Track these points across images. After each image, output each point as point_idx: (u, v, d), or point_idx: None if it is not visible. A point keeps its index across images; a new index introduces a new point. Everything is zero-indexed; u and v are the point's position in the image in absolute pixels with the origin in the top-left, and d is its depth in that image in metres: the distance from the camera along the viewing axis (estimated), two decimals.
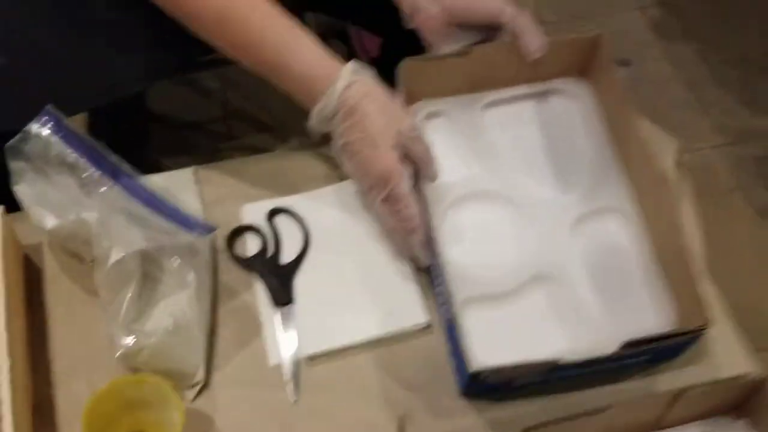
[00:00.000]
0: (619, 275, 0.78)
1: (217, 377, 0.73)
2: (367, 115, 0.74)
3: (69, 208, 0.70)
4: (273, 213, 0.82)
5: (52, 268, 0.78)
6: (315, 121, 0.76)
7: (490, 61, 0.83)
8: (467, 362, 0.66)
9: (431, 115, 0.85)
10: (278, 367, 0.73)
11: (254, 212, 0.82)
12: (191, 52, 0.88)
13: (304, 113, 0.78)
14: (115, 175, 0.75)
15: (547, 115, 0.87)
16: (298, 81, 0.76)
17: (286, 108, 0.84)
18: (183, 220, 0.71)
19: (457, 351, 0.69)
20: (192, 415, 0.70)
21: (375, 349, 0.75)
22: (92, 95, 0.86)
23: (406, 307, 0.76)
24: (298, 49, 0.76)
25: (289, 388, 0.72)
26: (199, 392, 0.72)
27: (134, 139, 1.25)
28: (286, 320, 0.75)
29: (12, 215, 0.75)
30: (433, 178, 0.76)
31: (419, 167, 0.76)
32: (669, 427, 0.70)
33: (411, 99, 0.82)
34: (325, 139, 0.79)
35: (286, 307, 0.76)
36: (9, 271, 0.70)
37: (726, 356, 0.76)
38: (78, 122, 0.90)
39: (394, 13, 0.84)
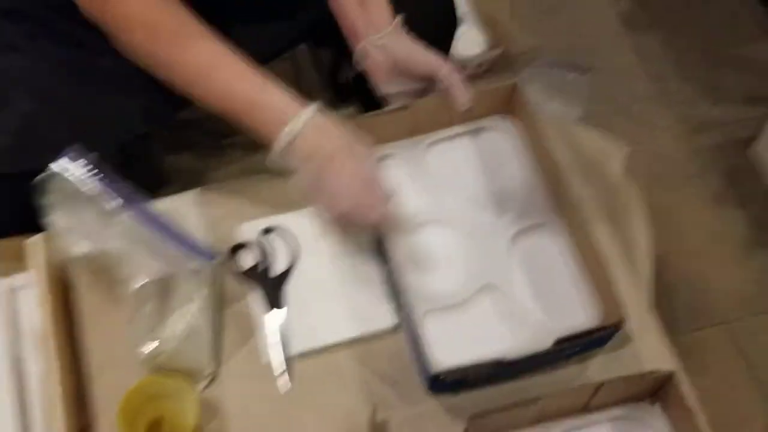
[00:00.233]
0: (551, 281, 0.91)
1: (222, 371, 0.88)
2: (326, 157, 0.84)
3: (95, 237, 0.84)
4: (266, 231, 0.96)
5: (81, 283, 0.93)
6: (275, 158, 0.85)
7: (428, 110, 0.96)
8: (428, 366, 0.81)
9: (383, 158, 0.99)
10: (271, 363, 0.88)
11: (249, 230, 0.96)
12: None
13: None
14: (131, 205, 0.88)
15: (480, 148, 1.01)
16: (264, 123, 0.85)
17: None
18: (191, 247, 0.85)
19: (420, 357, 0.84)
20: (203, 403, 0.85)
21: (353, 347, 0.89)
22: (105, 137, 0.97)
23: (377, 312, 0.90)
24: (264, 97, 0.85)
25: (281, 380, 0.87)
26: (208, 384, 0.87)
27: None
28: (278, 323, 0.90)
29: (44, 234, 0.89)
30: None
31: None
32: (595, 410, 0.84)
33: None
34: None
35: (278, 312, 0.91)
36: (51, 286, 0.85)
37: (647, 350, 0.89)
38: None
39: None
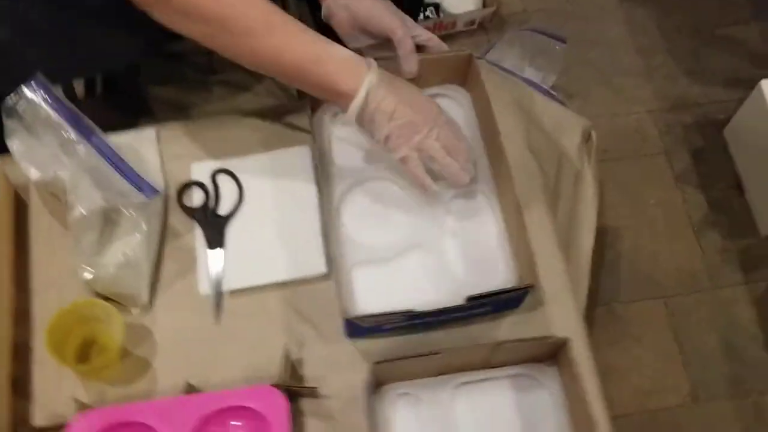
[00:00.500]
0: (478, 244, 0.96)
1: (159, 300, 0.94)
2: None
3: (50, 164, 0.90)
4: (216, 172, 1.01)
5: (36, 204, 0.99)
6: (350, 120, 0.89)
7: None
8: (346, 311, 0.87)
9: None
10: (206, 297, 0.94)
11: (201, 170, 1.01)
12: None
13: None
14: (89, 136, 0.93)
15: None
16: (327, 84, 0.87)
17: None
18: (137, 182, 0.91)
19: (341, 303, 0.89)
20: (137, 328, 0.92)
21: (283, 289, 0.95)
22: (81, 68, 1.01)
23: (311, 258, 0.96)
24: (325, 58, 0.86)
25: (213, 313, 0.94)
26: (144, 311, 0.93)
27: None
28: (217, 260, 0.96)
29: (2, 157, 0.95)
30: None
31: None
32: (497, 367, 0.90)
33: None
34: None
35: (218, 250, 0.97)
36: (2, 204, 0.91)
37: (557, 316, 0.94)
38: None
39: None
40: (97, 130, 0.94)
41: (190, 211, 0.99)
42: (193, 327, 0.93)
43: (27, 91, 0.91)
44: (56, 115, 0.92)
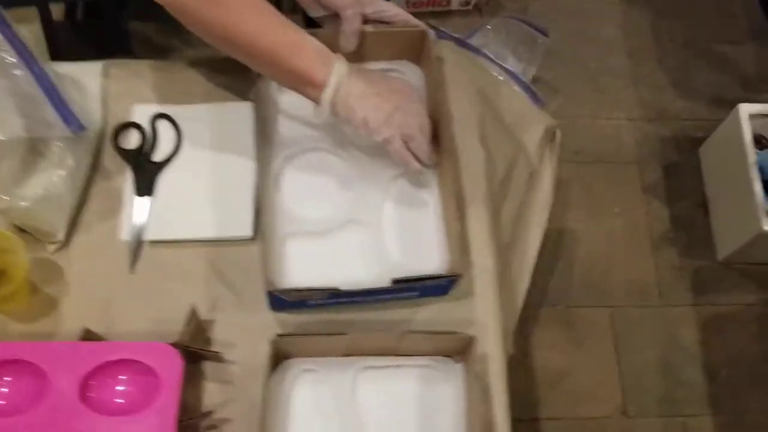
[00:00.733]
0: (416, 227, 0.94)
1: (77, 240, 0.92)
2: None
3: None
4: (157, 117, 0.98)
5: None
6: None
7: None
8: (268, 283, 0.85)
9: None
10: (126, 243, 0.92)
11: (143, 113, 0.98)
12: None
13: None
14: (30, 63, 0.90)
15: None
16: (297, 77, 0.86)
17: None
18: (65, 115, 0.87)
19: (264, 273, 0.86)
20: (48, 264, 0.90)
21: (207, 247, 0.93)
22: None
23: (238, 220, 0.93)
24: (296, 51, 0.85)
25: (129, 261, 0.92)
26: (60, 248, 0.91)
27: None
28: (143, 208, 0.94)
29: None
30: None
31: None
32: (406, 355, 0.88)
33: None
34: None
35: (146, 198, 0.94)
36: None
37: (482, 309, 0.92)
38: None
39: None
40: (42, 60, 0.91)
41: (124, 154, 0.96)
42: (107, 272, 0.91)
43: None
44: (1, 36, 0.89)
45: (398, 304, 0.92)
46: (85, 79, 0.98)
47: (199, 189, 0.95)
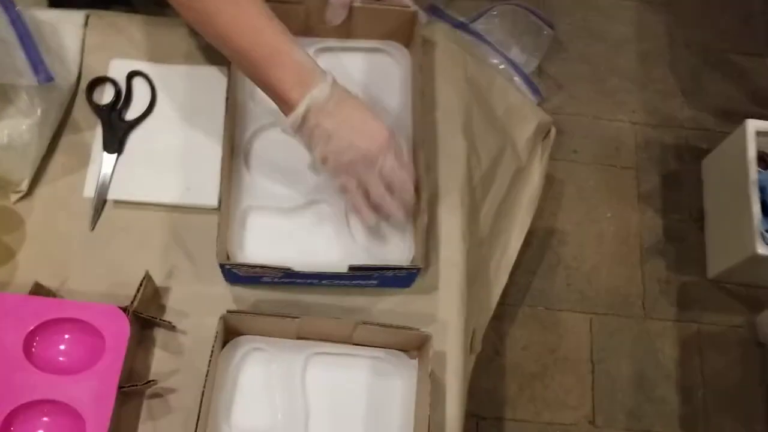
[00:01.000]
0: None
1: (39, 192, 0.90)
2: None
3: None
4: (133, 74, 0.96)
5: None
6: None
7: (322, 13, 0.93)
8: (225, 254, 0.83)
9: None
10: (89, 200, 0.90)
11: (119, 68, 0.96)
12: None
13: None
14: (8, 7, 0.87)
15: (369, 70, 0.98)
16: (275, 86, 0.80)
17: None
18: (35, 62, 0.85)
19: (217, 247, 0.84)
20: (10, 213, 0.88)
21: (171, 212, 0.90)
22: None
23: (205, 188, 0.91)
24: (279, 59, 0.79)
25: (91, 219, 0.89)
26: (22, 198, 0.89)
27: None
28: (110, 166, 0.91)
29: None
30: None
31: None
32: (361, 345, 0.85)
33: None
34: None
35: (114, 156, 0.92)
36: None
37: (444, 305, 0.90)
38: None
39: None
40: (22, 5, 0.88)
41: (96, 109, 0.94)
42: (67, 228, 0.89)
43: None
44: None
45: (359, 292, 0.90)
46: (66, 29, 0.96)
47: (169, 152, 0.93)
